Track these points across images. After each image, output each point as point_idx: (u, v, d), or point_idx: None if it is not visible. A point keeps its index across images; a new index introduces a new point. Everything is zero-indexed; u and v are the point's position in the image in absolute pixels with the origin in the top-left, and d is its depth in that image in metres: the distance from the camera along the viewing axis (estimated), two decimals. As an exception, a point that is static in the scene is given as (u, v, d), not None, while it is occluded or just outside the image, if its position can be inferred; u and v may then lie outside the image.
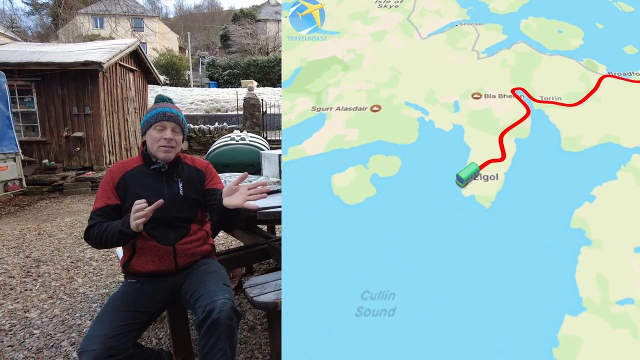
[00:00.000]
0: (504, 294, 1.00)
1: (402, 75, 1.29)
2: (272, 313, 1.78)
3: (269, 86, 22.06)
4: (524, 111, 1.20)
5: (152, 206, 1.52)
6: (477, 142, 1.16)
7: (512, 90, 1.23)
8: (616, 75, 1.25)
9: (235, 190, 1.64)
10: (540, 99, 1.22)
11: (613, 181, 1.10)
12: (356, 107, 1.26)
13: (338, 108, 1.27)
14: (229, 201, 1.61)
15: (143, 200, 1.51)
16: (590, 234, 1.04)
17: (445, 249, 1.06)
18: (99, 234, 1.62)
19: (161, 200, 1.55)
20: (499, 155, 1.15)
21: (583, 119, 1.18)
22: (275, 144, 9.58)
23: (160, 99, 1.87)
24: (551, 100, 1.22)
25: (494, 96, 1.23)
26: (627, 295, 0.99)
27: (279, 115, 12.05)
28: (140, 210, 1.49)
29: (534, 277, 1.01)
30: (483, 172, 1.12)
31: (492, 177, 1.11)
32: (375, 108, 1.24)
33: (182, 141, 1.84)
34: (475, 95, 1.23)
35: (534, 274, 1.02)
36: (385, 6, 1.43)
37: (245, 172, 1.69)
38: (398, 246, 1.07)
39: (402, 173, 1.14)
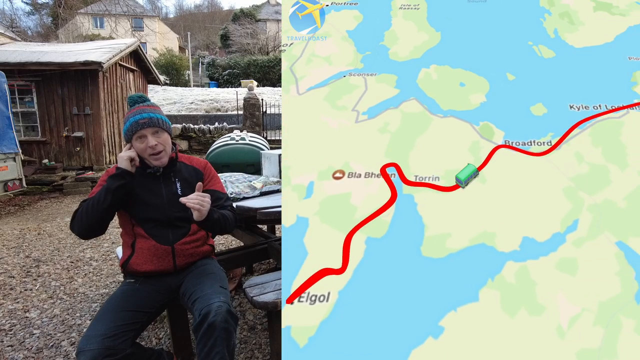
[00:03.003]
0: None
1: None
2: (272, 313, 1.78)
3: (269, 86, 22.04)
4: (389, 196, 0.98)
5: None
6: (318, 244, 0.93)
7: (383, 168, 1.02)
8: (513, 145, 1.04)
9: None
10: (414, 179, 1.00)
11: (472, 304, 0.86)
12: None
13: None
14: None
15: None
16: None
17: None
18: (85, 208, 1.63)
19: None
20: (338, 264, 0.90)
21: (458, 209, 0.97)
22: (275, 144, 9.57)
23: (131, 101, 1.78)
24: (426, 181, 1.00)
25: (359, 175, 1.02)
26: None
27: (279, 115, 12.04)
28: (125, 155, 1.64)
29: None
30: (312, 290, 0.88)
31: (322, 298, 0.87)
32: None
33: (171, 137, 1.80)
34: (337, 174, 1.02)
35: None
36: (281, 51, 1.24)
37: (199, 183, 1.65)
38: None
39: None
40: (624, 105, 1.08)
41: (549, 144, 1.04)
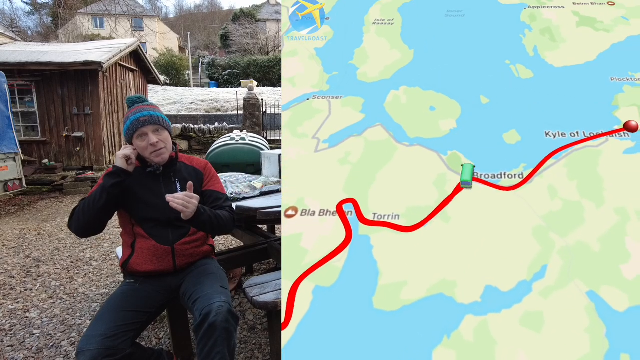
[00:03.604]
0: None
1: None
2: (272, 313, 1.78)
3: (269, 86, 22.05)
4: (343, 238, 0.89)
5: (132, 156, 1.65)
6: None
7: (340, 205, 0.93)
8: (481, 178, 0.95)
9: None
10: (372, 217, 0.92)
11: None
12: None
13: None
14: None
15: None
16: None
17: None
18: (82, 207, 1.63)
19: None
20: (282, 317, 0.83)
21: (417, 252, 0.88)
22: (275, 144, 9.57)
23: (130, 102, 1.79)
24: (385, 220, 0.91)
25: (313, 213, 0.93)
26: None
27: (279, 115, 12.02)
28: (122, 152, 1.63)
29: None
30: None
31: None
32: None
33: (171, 136, 1.80)
34: (290, 212, 0.94)
35: None
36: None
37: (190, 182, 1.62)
38: None
39: None
40: (603, 133, 1.00)
41: (521, 176, 0.96)
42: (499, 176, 0.96)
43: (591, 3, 1.20)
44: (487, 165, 0.98)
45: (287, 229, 0.92)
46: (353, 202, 0.94)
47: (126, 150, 1.68)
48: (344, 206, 0.93)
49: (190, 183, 1.61)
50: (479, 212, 0.92)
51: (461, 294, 0.83)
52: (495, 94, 1.07)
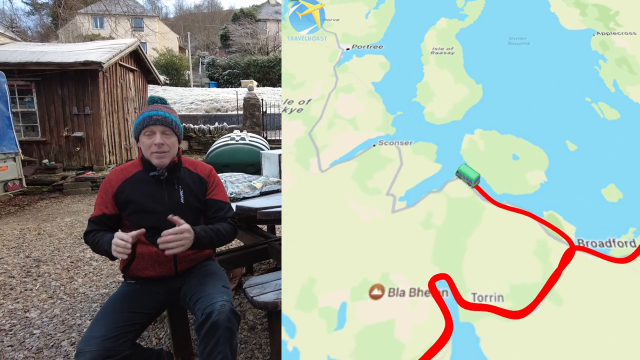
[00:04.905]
0: None
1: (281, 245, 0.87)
2: (272, 313, 1.78)
3: (269, 86, 22.04)
4: (443, 328, 0.76)
5: (131, 241, 1.45)
6: None
7: (431, 282, 0.81)
8: (588, 247, 0.81)
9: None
10: (471, 299, 0.78)
11: None
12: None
13: None
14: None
15: (124, 236, 1.45)
16: None
17: None
18: (93, 243, 1.64)
19: (143, 230, 1.51)
20: None
21: (531, 344, 0.73)
22: (275, 144, 9.57)
23: (151, 100, 1.81)
24: (487, 303, 0.77)
25: (403, 292, 0.80)
26: None
27: (279, 115, 12.02)
28: (121, 246, 1.44)
29: None
30: None
31: None
32: None
33: (179, 142, 1.77)
34: (375, 292, 0.81)
35: None
36: (285, 110, 1.01)
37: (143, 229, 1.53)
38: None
39: None
40: None
41: (633, 244, 0.81)
42: (608, 244, 0.82)
43: None
44: (592, 230, 0.84)
45: (374, 316, 0.78)
46: (447, 278, 0.81)
47: (125, 242, 1.47)
48: (436, 284, 0.81)
49: (176, 218, 1.53)
50: (593, 290, 0.78)
51: None
52: (582, 139, 0.93)
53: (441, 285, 0.80)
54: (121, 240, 1.46)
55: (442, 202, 0.88)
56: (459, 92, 1.02)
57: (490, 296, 0.78)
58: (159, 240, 1.48)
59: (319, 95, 1.02)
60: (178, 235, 1.51)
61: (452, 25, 1.08)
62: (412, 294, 0.80)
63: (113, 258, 1.57)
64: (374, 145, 0.96)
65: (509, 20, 1.08)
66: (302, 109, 1.00)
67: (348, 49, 1.08)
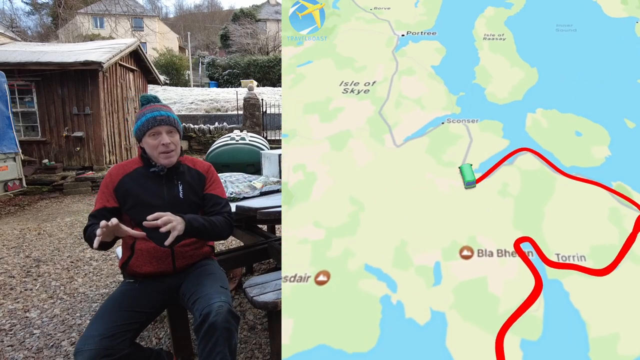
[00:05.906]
0: None
1: (364, 213, 0.91)
2: (272, 313, 1.78)
3: (269, 86, 22.05)
4: (533, 284, 0.82)
5: (110, 227, 1.42)
6: (465, 349, 0.77)
7: (517, 244, 0.87)
8: None
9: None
10: (556, 259, 0.84)
11: None
12: (295, 276, 0.86)
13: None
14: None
15: (106, 223, 1.42)
16: None
17: None
18: (87, 235, 1.64)
19: (143, 233, 1.51)
20: None
21: (617, 298, 0.79)
22: (275, 144, 9.57)
23: (145, 100, 1.79)
24: (572, 262, 0.84)
25: (491, 253, 0.86)
26: None
27: (279, 115, 12.04)
28: (102, 226, 1.41)
29: None
30: None
31: None
32: (321, 278, 0.86)
33: (180, 139, 1.80)
34: (465, 253, 0.87)
35: None
36: (352, 91, 1.04)
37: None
38: None
39: None
40: None
41: None
42: None
43: None
44: None
45: (468, 272, 0.84)
46: (530, 241, 0.86)
47: (104, 231, 1.44)
48: (521, 245, 0.86)
49: (158, 214, 1.50)
50: None
51: None
52: (639, 117, 0.99)
53: (526, 247, 0.86)
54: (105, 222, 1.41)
55: (516, 173, 0.94)
56: (516, 75, 1.07)
57: (573, 256, 0.84)
58: (145, 223, 1.46)
59: (382, 78, 1.07)
60: (160, 213, 1.48)
61: (499, 13, 1.14)
62: (500, 254, 0.86)
63: (94, 245, 1.46)
64: (443, 123, 1.01)
65: (553, 9, 1.14)
66: (368, 90, 1.05)
67: (403, 35, 1.13)
